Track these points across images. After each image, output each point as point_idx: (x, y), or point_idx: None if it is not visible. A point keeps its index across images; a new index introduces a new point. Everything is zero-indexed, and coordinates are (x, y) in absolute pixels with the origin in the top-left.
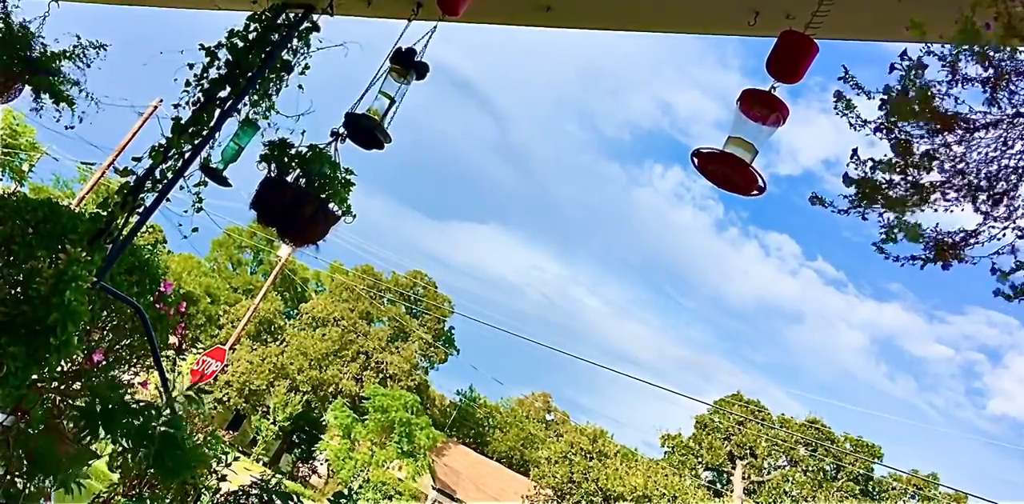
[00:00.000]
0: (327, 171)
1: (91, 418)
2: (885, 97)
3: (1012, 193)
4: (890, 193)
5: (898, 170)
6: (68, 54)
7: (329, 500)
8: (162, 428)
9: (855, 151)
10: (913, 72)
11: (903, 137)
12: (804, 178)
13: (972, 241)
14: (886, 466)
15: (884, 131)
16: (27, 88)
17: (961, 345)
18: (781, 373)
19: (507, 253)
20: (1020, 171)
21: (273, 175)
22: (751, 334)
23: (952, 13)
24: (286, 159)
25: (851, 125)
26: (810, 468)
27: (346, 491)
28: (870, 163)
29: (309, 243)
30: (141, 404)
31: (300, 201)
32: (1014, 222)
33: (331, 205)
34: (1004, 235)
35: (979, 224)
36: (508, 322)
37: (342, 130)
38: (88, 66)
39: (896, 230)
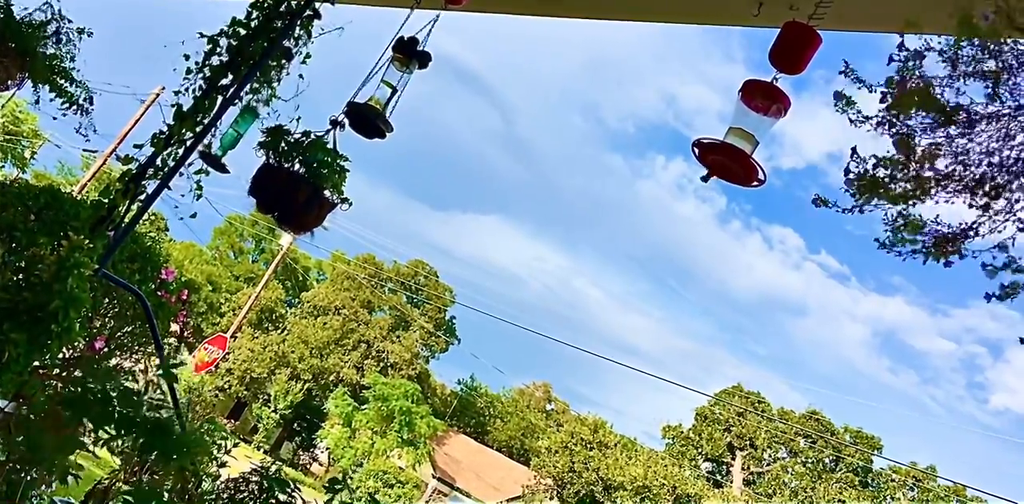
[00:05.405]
0: (324, 158)
1: (72, 407)
2: (887, 90)
3: (1013, 185)
4: (892, 187)
5: (900, 165)
6: (51, 33)
7: (324, 486)
8: (151, 414)
9: (855, 150)
10: (911, 62)
11: (905, 132)
12: (807, 172)
13: (972, 234)
14: (885, 458)
15: (886, 125)
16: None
17: (963, 339)
18: (783, 366)
19: (510, 244)
20: (1021, 163)
21: (269, 162)
22: (753, 327)
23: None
24: (283, 146)
25: (851, 121)
26: (809, 459)
27: (340, 477)
28: (872, 160)
29: (305, 230)
30: (122, 390)
31: (294, 187)
32: (1014, 214)
33: (326, 192)
34: (1004, 228)
35: (979, 216)
36: (510, 312)
37: (341, 118)
38: (74, 46)
39: (900, 226)
